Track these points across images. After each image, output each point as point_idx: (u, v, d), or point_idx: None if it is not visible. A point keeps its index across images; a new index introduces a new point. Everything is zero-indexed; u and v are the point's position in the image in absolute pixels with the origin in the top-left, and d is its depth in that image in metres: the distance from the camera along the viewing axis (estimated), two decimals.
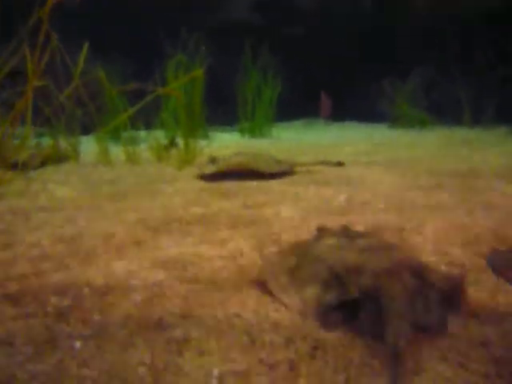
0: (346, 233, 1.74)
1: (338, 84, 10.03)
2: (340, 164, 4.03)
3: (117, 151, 5.38)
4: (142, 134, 5.92)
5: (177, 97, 4.91)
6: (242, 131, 7.89)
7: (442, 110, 8.37)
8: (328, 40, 10.29)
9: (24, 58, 1.99)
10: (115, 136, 6.54)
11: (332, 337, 1.26)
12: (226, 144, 6.67)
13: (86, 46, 2.51)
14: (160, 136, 5.48)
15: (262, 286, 1.58)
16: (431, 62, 8.69)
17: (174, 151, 5.26)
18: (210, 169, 3.75)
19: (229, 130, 8.34)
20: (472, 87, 8.15)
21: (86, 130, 5.67)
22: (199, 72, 5.00)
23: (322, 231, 1.83)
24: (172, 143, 5.56)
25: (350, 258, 1.48)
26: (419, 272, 1.40)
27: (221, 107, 7.67)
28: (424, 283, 1.36)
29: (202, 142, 5.84)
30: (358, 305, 1.31)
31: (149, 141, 5.42)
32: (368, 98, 9.23)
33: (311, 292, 1.42)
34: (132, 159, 5.09)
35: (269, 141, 7.06)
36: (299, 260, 1.60)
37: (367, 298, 1.30)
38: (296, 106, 9.78)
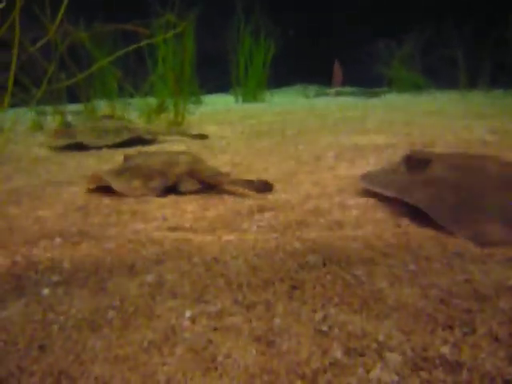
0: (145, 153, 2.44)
1: (333, 47, 9.73)
2: (201, 137, 3.71)
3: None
4: (134, 101, 5.74)
5: (143, 32, 4.76)
6: (235, 96, 7.70)
7: (438, 73, 8.14)
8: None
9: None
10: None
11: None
12: (217, 108, 6.53)
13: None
14: (152, 102, 5.35)
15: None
16: (428, 25, 8.38)
17: (164, 115, 5.13)
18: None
19: (224, 95, 8.16)
20: (468, 50, 7.91)
21: (75, 99, 5.49)
22: (187, 27, 4.82)
23: (127, 156, 2.39)
24: (161, 107, 5.41)
25: (161, 159, 2.20)
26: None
27: (215, 72, 7.44)
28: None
29: (194, 106, 5.69)
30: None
31: (139, 106, 5.30)
32: (362, 61, 8.98)
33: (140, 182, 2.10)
34: None
35: (258, 105, 6.89)
36: (125, 170, 2.18)
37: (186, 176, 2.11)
38: (294, 72, 9.52)
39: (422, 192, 1.57)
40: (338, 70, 8.76)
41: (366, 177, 1.90)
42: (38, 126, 4.91)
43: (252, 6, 7.38)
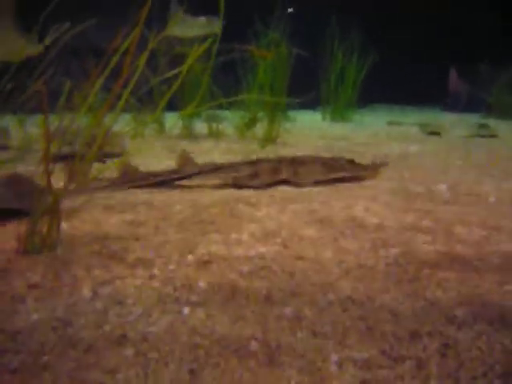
0: None
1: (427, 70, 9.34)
2: None
3: (199, 127, 5.45)
4: (223, 113, 5.88)
5: (266, 57, 4.81)
6: (323, 114, 7.65)
7: None
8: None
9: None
10: (197, 113, 6.60)
11: None
12: (307, 126, 6.54)
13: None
14: (241, 116, 5.43)
15: None
16: None
17: (256, 130, 5.20)
18: None
19: (311, 113, 8.13)
20: None
21: (170, 107, 5.73)
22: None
23: None
24: (253, 121, 5.49)
25: None
26: None
27: (303, 87, 7.42)
28: None
29: (284, 123, 5.72)
30: None
31: (230, 119, 5.42)
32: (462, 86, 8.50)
33: None
34: (215, 135, 5.14)
35: (344, 126, 6.76)
36: None
37: None
38: (380, 92, 9.25)
39: None
40: (454, 78, 8.33)
41: None
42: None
43: (349, 22, 7.27)
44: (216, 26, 3.92)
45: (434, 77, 9.15)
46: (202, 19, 4.14)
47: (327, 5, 8.23)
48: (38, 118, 3.08)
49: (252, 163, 2.73)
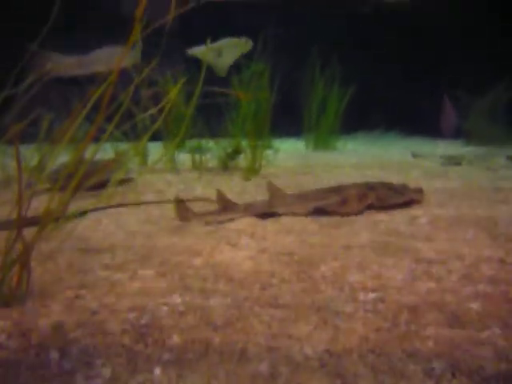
0: None
1: (406, 91, 9.44)
2: None
3: (182, 159, 5.41)
4: (205, 143, 5.82)
5: (244, 98, 4.84)
6: (306, 142, 7.70)
7: None
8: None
9: None
10: (180, 144, 6.59)
11: None
12: (290, 155, 6.58)
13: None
14: (225, 145, 5.40)
15: None
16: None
17: (240, 160, 5.19)
18: None
19: (293, 141, 8.18)
20: None
21: (153, 137, 5.67)
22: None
23: None
24: (237, 152, 5.47)
25: None
26: None
27: (287, 117, 7.50)
28: None
29: (268, 153, 5.73)
30: None
31: (213, 149, 5.39)
32: (436, 110, 8.72)
33: None
34: (198, 166, 5.11)
35: (324, 154, 6.81)
36: None
37: None
38: (362, 119, 9.36)
39: None
40: (449, 114, 8.45)
41: None
42: None
43: (329, 52, 7.41)
44: (248, 44, 4.05)
45: (419, 103, 9.28)
46: (232, 39, 4.17)
47: (309, 34, 8.43)
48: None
49: (336, 190, 2.86)
